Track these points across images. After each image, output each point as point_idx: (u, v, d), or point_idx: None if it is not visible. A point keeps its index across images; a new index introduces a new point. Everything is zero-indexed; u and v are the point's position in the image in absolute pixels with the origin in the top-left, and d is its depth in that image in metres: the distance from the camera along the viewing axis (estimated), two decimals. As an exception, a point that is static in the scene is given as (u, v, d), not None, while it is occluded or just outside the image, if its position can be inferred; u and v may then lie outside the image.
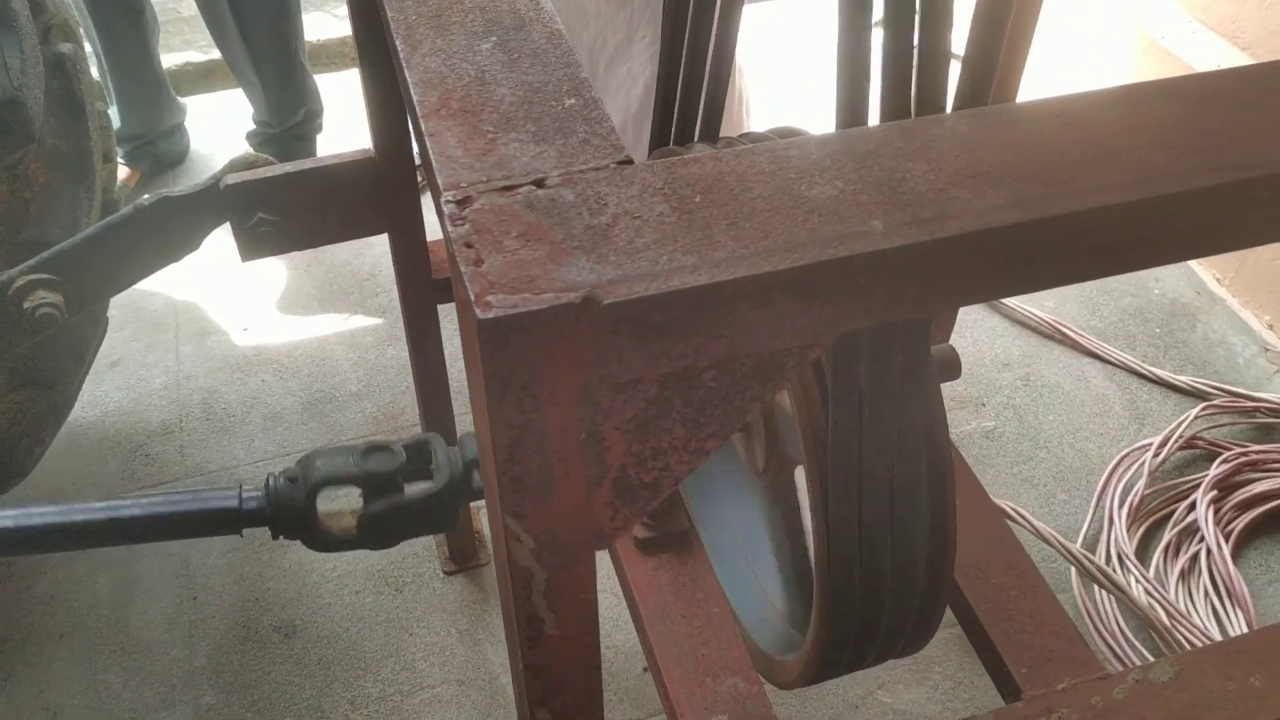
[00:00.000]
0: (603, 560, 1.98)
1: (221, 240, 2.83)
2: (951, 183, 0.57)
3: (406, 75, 0.66)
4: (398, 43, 0.69)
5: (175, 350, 2.56)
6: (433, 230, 1.60)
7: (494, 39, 0.68)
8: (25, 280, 1.46)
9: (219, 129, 3.18)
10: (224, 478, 2.30)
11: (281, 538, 1.33)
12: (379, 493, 1.29)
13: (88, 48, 2.79)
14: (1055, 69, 3.22)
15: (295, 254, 2.77)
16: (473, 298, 0.51)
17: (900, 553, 1.12)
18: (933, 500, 1.11)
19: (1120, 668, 1.92)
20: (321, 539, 1.32)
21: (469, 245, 0.54)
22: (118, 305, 2.64)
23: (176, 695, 1.93)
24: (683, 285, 0.52)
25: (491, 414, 0.54)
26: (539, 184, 0.57)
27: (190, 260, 2.67)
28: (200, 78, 3.71)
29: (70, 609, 2.07)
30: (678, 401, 0.58)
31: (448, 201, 0.56)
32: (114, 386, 2.46)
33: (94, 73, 2.90)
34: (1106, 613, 1.99)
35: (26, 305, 1.46)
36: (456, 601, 2.05)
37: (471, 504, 2.18)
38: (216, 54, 2.92)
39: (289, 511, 1.30)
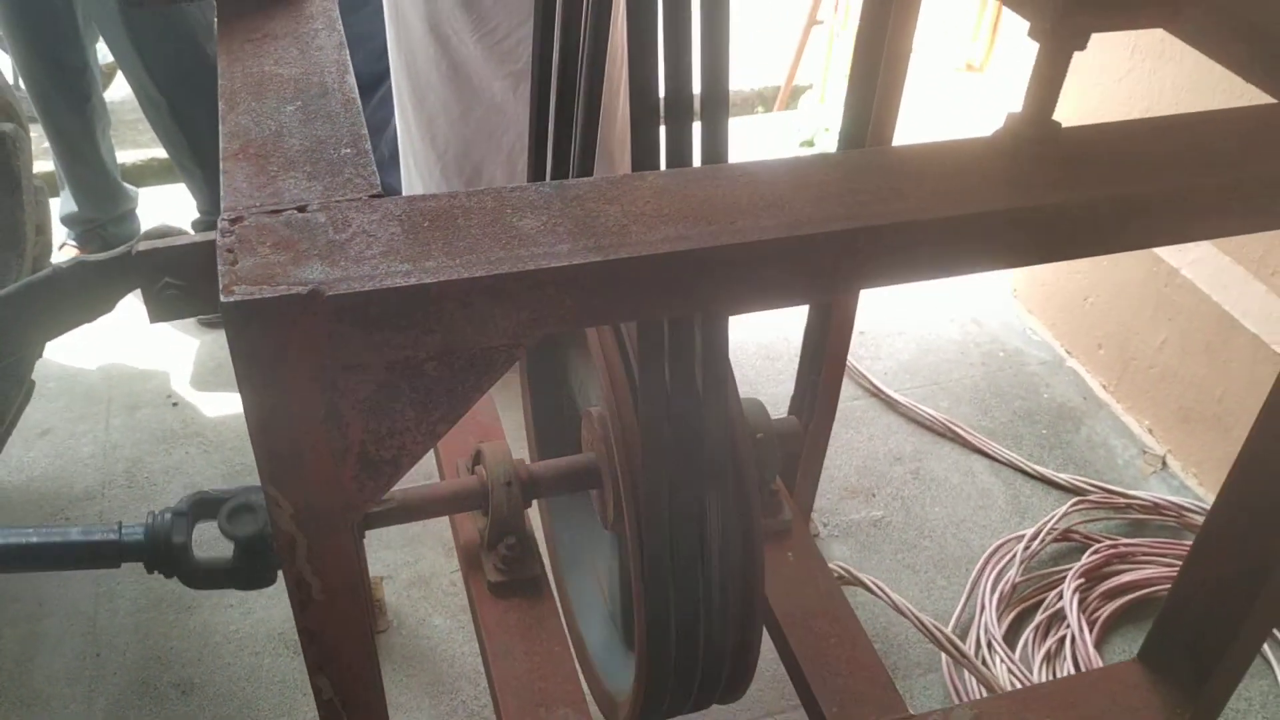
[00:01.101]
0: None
1: (157, 326, 2.94)
2: (635, 220, 0.71)
3: (220, 129, 0.80)
4: (221, 104, 0.83)
5: (105, 421, 2.66)
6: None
7: (299, 103, 0.83)
8: (-56, 331, 1.58)
9: (169, 216, 3.34)
10: (139, 543, 2.38)
11: (158, 573, 1.44)
12: (248, 547, 1.41)
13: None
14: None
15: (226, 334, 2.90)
16: (222, 288, 0.64)
17: (710, 582, 1.22)
18: (741, 534, 1.22)
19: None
20: (194, 579, 1.43)
21: (229, 251, 0.67)
22: (54, 378, 2.76)
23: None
24: (394, 284, 0.65)
25: (242, 391, 0.67)
26: (301, 209, 0.71)
27: (128, 338, 2.81)
28: (164, 171, 3.89)
29: (-26, 663, 2.13)
30: (405, 387, 0.70)
31: (222, 220, 0.70)
32: (42, 453, 2.55)
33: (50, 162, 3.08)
34: (973, 692, 2.09)
35: (-57, 354, 1.58)
36: (352, 665, 2.12)
37: (374, 574, 2.28)
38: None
39: (167, 550, 1.41)
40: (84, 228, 3.08)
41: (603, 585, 1.58)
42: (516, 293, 0.68)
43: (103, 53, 3.09)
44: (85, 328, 2.62)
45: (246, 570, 1.40)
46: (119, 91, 3.85)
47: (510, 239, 0.69)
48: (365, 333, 0.66)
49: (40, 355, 2.24)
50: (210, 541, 1.42)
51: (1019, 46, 3.06)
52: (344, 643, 0.82)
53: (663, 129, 0.97)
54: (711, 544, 1.21)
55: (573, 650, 1.48)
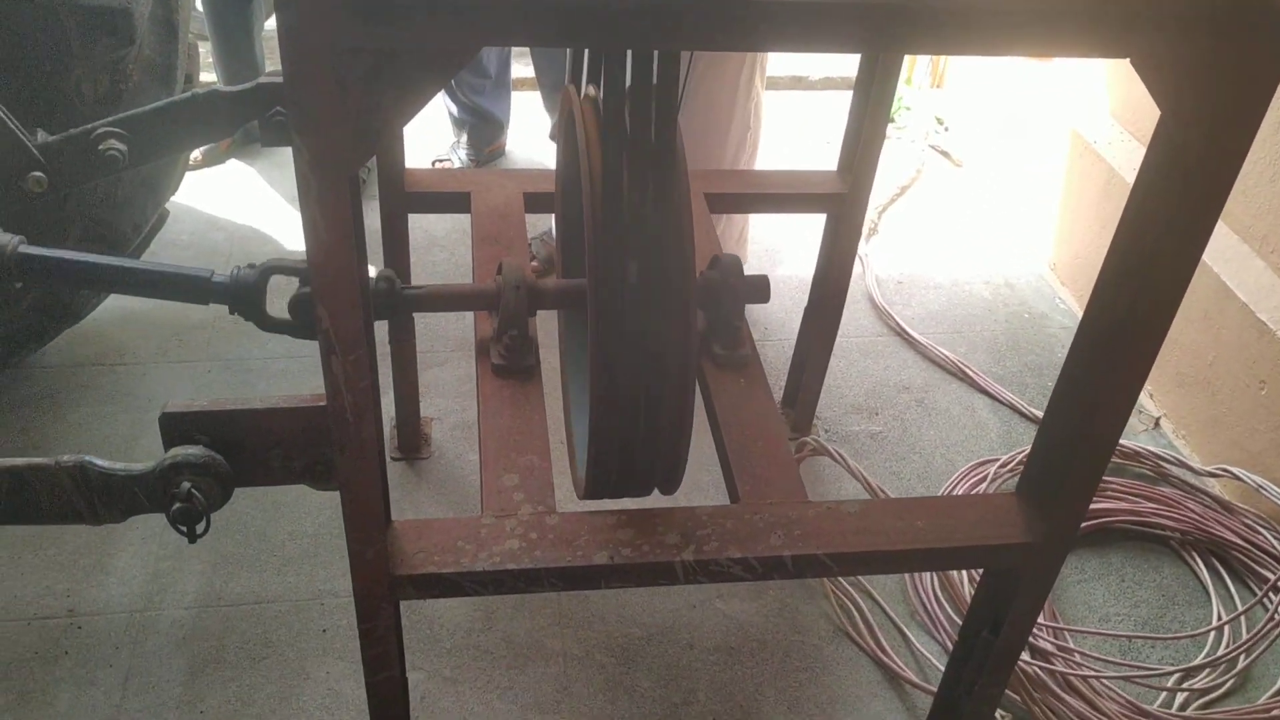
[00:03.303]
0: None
1: (279, 200, 3.43)
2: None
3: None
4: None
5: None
6: (411, 158, 2.12)
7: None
8: (103, 130, 2.00)
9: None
10: (238, 366, 2.81)
11: (238, 315, 1.82)
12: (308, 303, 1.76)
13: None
14: (996, 161, 3.65)
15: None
16: (274, -21, 0.99)
17: (652, 358, 1.51)
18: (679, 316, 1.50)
19: (939, 640, 2.26)
20: (265, 321, 1.81)
21: (285, -37, 1.02)
22: (187, 233, 3.22)
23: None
24: (383, -10, 0.99)
25: (282, 57, 1.02)
26: (337, -51, 1.06)
27: (254, 210, 3.25)
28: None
29: (91, 436, 2.57)
30: (387, 72, 1.04)
31: (286, -51, 1.05)
32: (168, 288, 3.00)
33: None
34: (925, 582, 2.34)
35: (100, 148, 2.00)
36: (394, 480, 2.49)
37: (425, 415, 2.63)
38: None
39: (244, 295, 1.79)
40: (230, 116, 3.54)
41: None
42: (462, 5, 1.01)
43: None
44: (219, 198, 3.13)
45: (305, 321, 1.76)
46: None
47: (470, -16, 1.03)
48: (363, 23, 1.00)
49: (177, 189, 2.67)
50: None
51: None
52: (339, 277, 1.16)
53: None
54: (654, 319, 1.48)
55: (567, 443, 1.80)
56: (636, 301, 1.47)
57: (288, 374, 2.79)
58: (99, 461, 1.36)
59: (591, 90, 1.64)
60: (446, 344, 2.92)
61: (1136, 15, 1.10)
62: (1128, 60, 1.16)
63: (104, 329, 2.84)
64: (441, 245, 3.29)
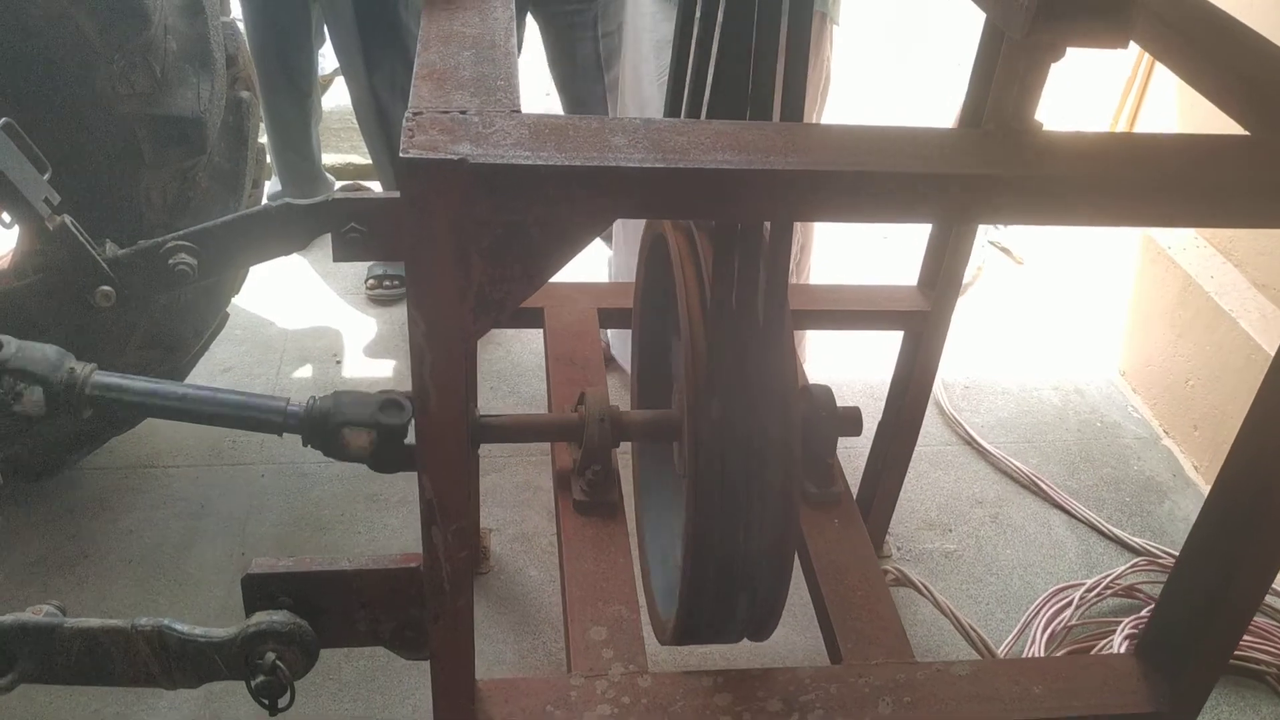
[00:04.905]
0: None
1: (333, 295, 3.38)
2: (695, 147, 0.98)
3: (416, 61, 1.11)
4: (419, 48, 1.14)
5: (278, 368, 3.05)
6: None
7: (472, 50, 1.12)
8: (173, 244, 1.95)
9: (357, 209, 3.77)
10: (291, 470, 2.74)
11: (310, 445, 1.75)
12: (388, 435, 1.69)
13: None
14: (1058, 259, 3.57)
15: (392, 311, 3.28)
16: (401, 150, 0.93)
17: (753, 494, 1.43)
18: (781, 473, 1.44)
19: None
20: (338, 454, 1.73)
21: (410, 132, 0.96)
22: (242, 326, 3.17)
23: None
24: (515, 162, 0.93)
25: (404, 225, 0.95)
26: (462, 112, 1.00)
27: (309, 306, 3.20)
28: (358, 175, 4.36)
29: (143, 543, 2.50)
30: (514, 244, 0.98)
31: (408, 115, 0.99)
32: (221, 384, 2.94)
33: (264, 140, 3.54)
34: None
35: (170, 262, 1.95)
36: (453, 597, 2.41)
37: (484, 526, 2.55)
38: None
39: (319, 430, 1.72)
40: (286, 206, 3.52)
41: (674, 532, 1.82)
42: (599, 181, 0.94)
43: (320, 67, 3.57)
44: (274, 292, 3.07)
45: (384, 452, 1.68)
46: (329, 102, 4.34)
47: (602, 147, 0.96)
48: (492, 196, 0.94)
49: (238, 291, 2.63)
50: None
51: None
52: (445, 448, 1.09)
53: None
54: (755, 481, 1.43)
55: (640, 581, 1.72)
56: (737, 468, 1.40)
57: (342, 479, 2.71)
58: (178, 626, 1.28)
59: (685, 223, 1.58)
60: (505, 448, 2.84)
61: (1310, 188, 1.03)
62: None
63: (156, 429, 2.78)
64: (498, 343, 3.23)
